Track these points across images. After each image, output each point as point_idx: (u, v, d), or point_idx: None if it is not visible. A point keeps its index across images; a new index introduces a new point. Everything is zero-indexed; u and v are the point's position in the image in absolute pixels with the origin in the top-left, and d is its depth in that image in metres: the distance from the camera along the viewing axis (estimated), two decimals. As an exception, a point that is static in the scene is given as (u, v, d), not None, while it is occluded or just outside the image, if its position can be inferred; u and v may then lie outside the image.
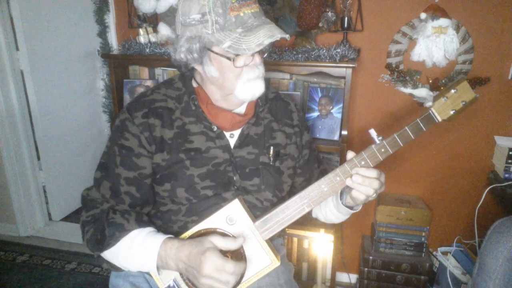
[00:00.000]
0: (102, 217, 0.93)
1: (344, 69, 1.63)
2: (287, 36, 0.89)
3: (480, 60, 1.71)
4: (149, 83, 2.02)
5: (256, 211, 1.03)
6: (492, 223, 1.13)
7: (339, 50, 1.63)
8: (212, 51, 0.91)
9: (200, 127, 1.01)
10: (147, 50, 1.85)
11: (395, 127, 0.92)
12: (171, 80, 1.07)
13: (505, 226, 1.08)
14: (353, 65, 1.61)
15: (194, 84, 1.04)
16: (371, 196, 0.93)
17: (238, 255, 0.94)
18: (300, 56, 1.66)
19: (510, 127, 1.76)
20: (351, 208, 1.03)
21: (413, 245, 1.82)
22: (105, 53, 2.15)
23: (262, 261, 0.95)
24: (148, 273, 0.99)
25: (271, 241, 1.01)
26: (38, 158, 2.59)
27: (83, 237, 0.96)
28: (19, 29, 2.25)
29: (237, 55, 0.90)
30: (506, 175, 1.66)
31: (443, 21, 1.64)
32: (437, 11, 1.65)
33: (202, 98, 1.01)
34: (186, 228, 0.97)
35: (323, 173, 1.18)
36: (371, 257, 1.83)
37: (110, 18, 2.20)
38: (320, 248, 1.88)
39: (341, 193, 1.03)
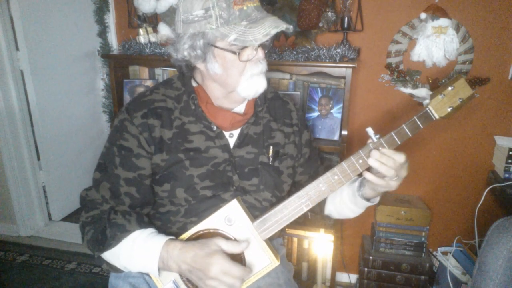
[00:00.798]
0: (102, 218, 0.93)
1: (344, 69, 1.64)
2: (290, 27, 0.89)
3: (480, 60, 1.71)
4: (149, 83, 2.02)
5: (255, 211, 1.03)
6: (492, 223, 1.13)
7: (339, 50, 1.63)
8: (216, 47, 0.91)
9: (200, 126, 1.00)
10: (147, 50, 1.85)
11: (395, 127, 0.92)
12: (170, 80, 1.06)
13: (505, 226, 1.07)
14: (353, 65, 1.61)
15: (194, 84, 1.04)
16: (392, 179, 0.90)
17: (236, 257, 0.94)
18: (300, 56, 1.66)
19: (510, 127, 1.76)
20: (368, 200, 1.02)
21: (413, 245, 1.82)
22: (105, 53, 2.15)
23: (261, 261, 0.95)
24: (148, 274, 0.99)
25: (270, 241, 1.01)
26: (38, 158, 2.58)
27: (83, 238, 0.96)
28: (19, 29, 2.25)
29: (242, 48, 0.90)
30: (506, 175, 1.66)
31: (443, 21, 1.64)
32: (437, 11, 1.65)
33: (201, 97, 1.01)
34: (185, 229, 0.97)
35: (328, 169, 1.18)
36: (371, 257, 1.83)
37: (110, 18, 2.20)
38: (320, 248, 1.88)
39: (359, 186, 1.02)
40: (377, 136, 0.92)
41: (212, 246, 0.87)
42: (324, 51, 1.64)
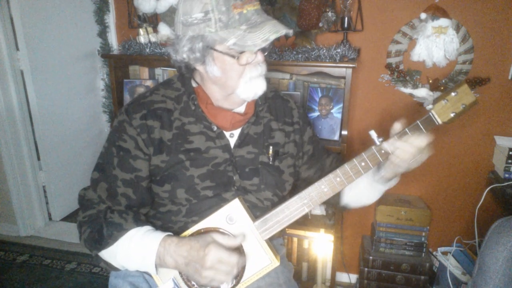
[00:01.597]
0: (99, 217, 0.93)
1: (344, 69, 1.63)
2: (290, 32, 0.89)
3: (480, 60, 1.71)
4: (149, 83, 2.02)
5: (256, 211, 1.03)
6: (492, 223, 1.13)
7: (339, 50, 1.63)
8: (216, 50, 0.90)
9: (200, 127, 1.00)
10: (147, 50, 1.85)
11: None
12: (170, 81, 1.06)
13: (505, 226, 1.07)
14: (353, 65, 1.61)
15: (194, 84, 1.04)
16: (415, 158, 0.91)
17: (235, 251, 0.94)
18: (300, 56, 1.66)
19: (510, 127, 1.76)
20: (385, 183, 1.02)
21: (413, 245, 1.82)
22: (105, 53, 2.15)
23: (262, 261, 0.95)
24: (147, 273, 0.99)
25: (271, 241, 1.01)
26: (38, 158, 2.58)
27: (80, 237, 0.96)
28: (19, 29, 2.25)
29: (241, 52, 0.90)
30: (506, 175, 1.66)
31: (443, 21, 1.64)
32: (437, 11, 1.65)
33: (201, 98, 1.01)
34: (186, 229, 0.97)
35: (337, 159, 1.19)
36: (371, 257, 1.83)
37: (110, 18, 2.20)
38: (320, 248, 1.88)
39: (378, 168, 1.01)
40: (380, 139, 0.92)
41: (207, 238, 0.88)
42: (324, 51, 1.64)
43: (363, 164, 0.93)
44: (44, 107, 2.43)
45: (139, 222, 0.94)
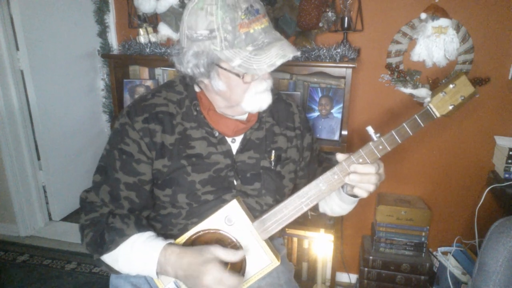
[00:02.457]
0: (101, 221, 0.93)
1: (344, 69, 1.63)
2: (298, 53, 0.88)
3: (480, 60, 1.71)
4: (149, 83, 2.02)
5: (256, 214, 1.02)
6: (492, 223, 1.13)
7: (339, 50, 1.63)
8: (220, 67, 0.89)
9: (202, 132, 0.99)
10: (147, 50, 1.85)
11: (395, 126, 0.92)
12: (172, 83, 1.04)
13: (505, 226, 1.07)
14: (353, 65, 1.61)
15: (196, 89, 1.02)
16: (372, 191, 0.93)
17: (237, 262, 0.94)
18: (300, 56, 1.66)
19: (510, 127, 1.76)
20: (355, 196, 1.01)
21: (413, 245, 1.82)
22: (105, 53, 2.15)
23: (262, 261, 0.95)
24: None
25: (271, 241, 1.01)
26: (38, 158, 2.59)
27: (82, 240, 0.96)
28: (19, 29, 2.25)
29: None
30: (506, 175, 1.66)
31: (443, 21, 1.64)
32: (437, 11, 1.65)
33: (204, 103, 0.99)
34: (186, 230, 0.97)
35: (325, 170, 1.17)
36: (371, 257, 1.83)
37: (110, 18, 2.20)
38: (320, 248, 1.88)
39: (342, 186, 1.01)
40: (378, 135, 0.91)
41: (208, 254, 0.87)
42: (324, 51, 1.64)
43: (361, 160, 0.92)
44: (44, 107, 2.43)
45: (141, 227, 0.94)
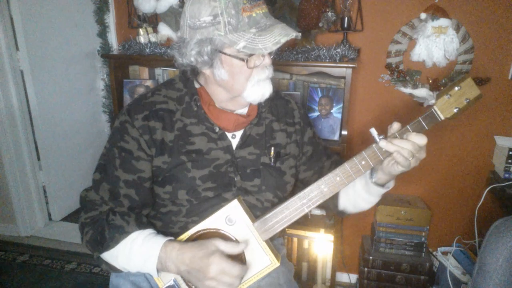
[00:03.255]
0: (101, 219, 0.93)
1: (344, 69, 1.63)
2: (299, 35, 0.90)
3: (480, 60, 1.71)
4: (149, 83, 2.02)
5: (256, 212, 1.03)
6: (492, 223, 1.13)
7: (339, 50, 1.63)
8: (224, 53, 0.90)
9: (202, 128, 1.00)
10: (147, 50, 1.85)
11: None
12: (172, 81, 1.06)
13: (505, 226, 1.07)
14: (353, 65, 1.61)
15: (196, 85, 1.03)
16: (410, 160, 0.89)
17: (237, 257, 0.94)
18: (300, 56, 1.66)
19: (510, 127, 1.76)
20: (382, 186, 1.00)
21: (413, 245, 1.82)
22: (105, 53, 2.15)
23: (262, 261, 0.95)
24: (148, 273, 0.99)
25: (271, 241, 1.01)
26: (38, 158, 2.58)
27: (82, 238, 0.96)
28: (19, 29, 2.25)
29: (251, 55, 0.90)
30: (506, 175, 1.66)
31: (443, 21, 1.64)
32: (437, 11, 1.65)
33: (204, 99, 1.00)
34: (186, 229, 0.97)
35: (336, 163, 1.16)
36: (371, 257, 1.83)
37: (110, 18, 2.20)
38: (320, 248, 1.88)
39: (371, 174, 1.00)
40: (381, 137, 0.90)
41: (210, 246, 0.87)
42: (324, 51, 1.64)
43: (363, 162, 0.92)
44: (44, 107, 2.43)
45: (141, 224, 0.94)
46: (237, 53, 0.89)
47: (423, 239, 1.80)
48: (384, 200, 1.84)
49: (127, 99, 2.02)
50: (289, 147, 1.10)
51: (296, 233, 1.91)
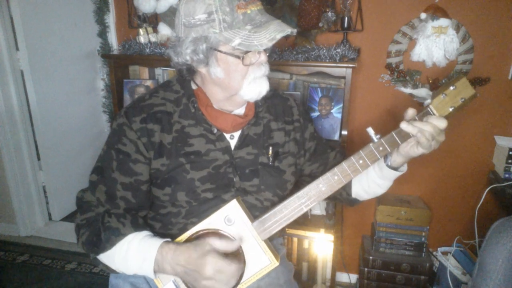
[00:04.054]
0: (97, 221, 0.93)
1: (344, 69, 1.63)
2: (295, 31, 0.89)
3: (480, 60, 1.71)
4: (149, 83, 2.02)
5: (256, 211, 1.03)
6: (492, 223, 1.13)
7: (339, 50, 1.63)
8: (220, 51, 0.90)
9: (200, 129, 1.00)
10: (147, 50, 1.85)
11: (395, 127, 0.92)
12: (169, 83, 1.05)
13: (505, 226, 1.07)
14: (353, 65, 1.61)
15: (193, 86, 1.03)
16: (430, 141, 0.89)
17: (236, 256, 0.94)
18: (300, 56, 1.66)
19: (510, 127, 1.76)
20: (395, 169, 1.00)
21: (413, 245, 1.82)
22: (105, 53, 2.15)
23: (261, 261, 0.95)
24: (147, 275, 0.99)
25: (270, 241, 1.01)
26: (38, 158, 2.59)
27: (78, 239, 0.96)
28: (19, 29, 2.25)
29: (246, 52, 0.90)
30: (506, 175, 1.66)
31: (443, 21, 1.64)
32: (437, 11, 1.65)
33: (201, 100, 1.00)
34: (185, 230, 0.97)
35: (341, 153, 1.17)
36: (371, 257, 1.83)
37: (110, 18, 2.20)
38: (320, 248, 1.88)
39: (385, 158, 1.00)
40: (378, 136, 0.91)
41: (205, 246, 0.87)
42: (324, 51, 1.64)
43: (361, 162, 0.92)
44: (44, 107, 2.43)
45: (137, 226, 0.93)
46: (232, 51, 0.89)
47: (423, 239, 1.80)
48: (384, 200, 1.84)
49: (127, 99, 2.02)
50: (287, 146, 1.10)
51: (296, 233, 1.91)
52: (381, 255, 1.83)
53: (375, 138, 0.91)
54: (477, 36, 1.69)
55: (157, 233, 0.97)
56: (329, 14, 1.68)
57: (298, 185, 1.18)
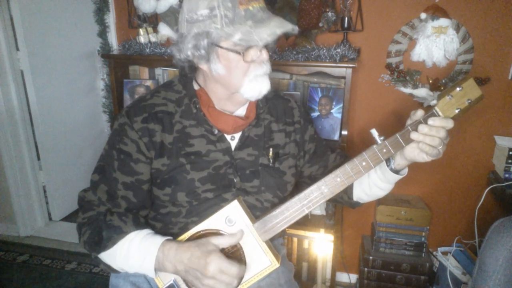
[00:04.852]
0: (99, 219, 0.93)
1: (344, 69, 1.63)
2: (296, 28, 0.89)
3: (480, 60, 1.71)
4: (149, 83, 2.02)
5: (256, 212, 1.03)
6: (492, 223, 1.13)
7: (339, 50, 1.63)
8: (221, 47, 0.90)
9: (201, 130, 1.00)
10: (147, 50, 1.85)
11: (395, 127, 0.91)
12: (171, 83, 1.06)
13: (505, 226, 1.08)
14: (353, 65, 1.61)
15: (195, 87, 1.03)
16: (437, 148, 0.90)
17: (237, 257, 0.94)
18: (300, 56, 1.66)
19: (510, 127, 1.76)
20: (397, 173, 0.99)
21: (413, 245, 1.82)
22: (105, 53, 2.15)
23: (262, 262, 0.95)
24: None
25: (271, 242, 1.01)
26: (38, 158, 2.58)
27: (79, 238, 0.96)
28: (19, 29, 2.25)
29: (247, 49, 0.90)
30: (506, 175, 1.66)
31: (443, 21, 1.64)
32: (437, 11, 1.65)
33: (203, 101, 1.00)
34: (186, 229, 0.97)
35: (341, 154, 1.17)
36: (371, 257, 1.83)
37: (110, 18, 2.20)
38: (320, 248, 1.88)
39: (387, 161, 0.99)
40: (382, 138, 0.90)
41: (208, 246, 0.87)
42: (324, 51, 1.64)
43: (364, 164, 0.92)
44: (44, 107, 2.43)
45: (138, 225, 0.94)
46: (233, 47, 0.89)
47: (423, 239, 1.80)
48: (384, 200, 1.84)
49: (127, 99, 2.02)
50: (288, 147, 1.10)
51: (296, 233, 1.91)
52: (381, 255, 1.83)
53: (379, 140, 0.90)
54: (477, 36, 1.69)
55: (158, 233, 0.97)
56: (329, 14, 1.68)
57: (298, 187, 1.18)
